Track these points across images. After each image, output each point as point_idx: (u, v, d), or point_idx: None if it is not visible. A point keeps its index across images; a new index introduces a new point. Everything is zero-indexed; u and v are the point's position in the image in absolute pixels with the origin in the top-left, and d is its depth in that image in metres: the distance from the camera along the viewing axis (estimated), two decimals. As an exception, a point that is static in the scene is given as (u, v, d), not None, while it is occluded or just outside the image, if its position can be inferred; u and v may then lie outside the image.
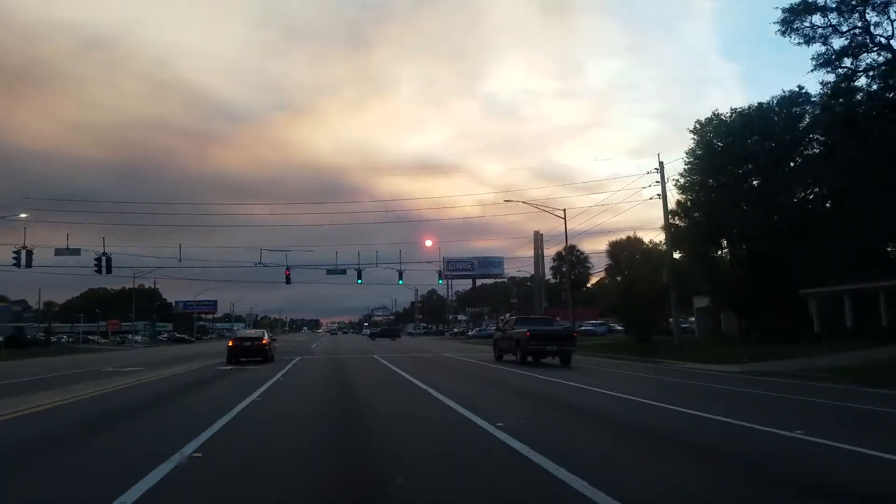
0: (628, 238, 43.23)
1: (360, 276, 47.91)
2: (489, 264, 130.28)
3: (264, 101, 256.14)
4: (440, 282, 56.43)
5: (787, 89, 40.15)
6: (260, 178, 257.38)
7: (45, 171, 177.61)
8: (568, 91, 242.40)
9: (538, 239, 61.34)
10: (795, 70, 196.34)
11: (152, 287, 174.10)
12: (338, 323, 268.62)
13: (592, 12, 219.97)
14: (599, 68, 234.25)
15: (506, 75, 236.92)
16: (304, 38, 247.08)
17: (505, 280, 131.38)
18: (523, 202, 49.62)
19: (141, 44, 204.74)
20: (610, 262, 44.23)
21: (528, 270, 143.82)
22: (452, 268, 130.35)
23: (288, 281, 45.03)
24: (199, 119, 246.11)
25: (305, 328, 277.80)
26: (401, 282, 49.76)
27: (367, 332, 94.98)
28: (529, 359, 24.01)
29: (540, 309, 56.54)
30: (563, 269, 61.53)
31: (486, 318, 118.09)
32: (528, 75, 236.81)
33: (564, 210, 49.43)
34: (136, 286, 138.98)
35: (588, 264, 60.61)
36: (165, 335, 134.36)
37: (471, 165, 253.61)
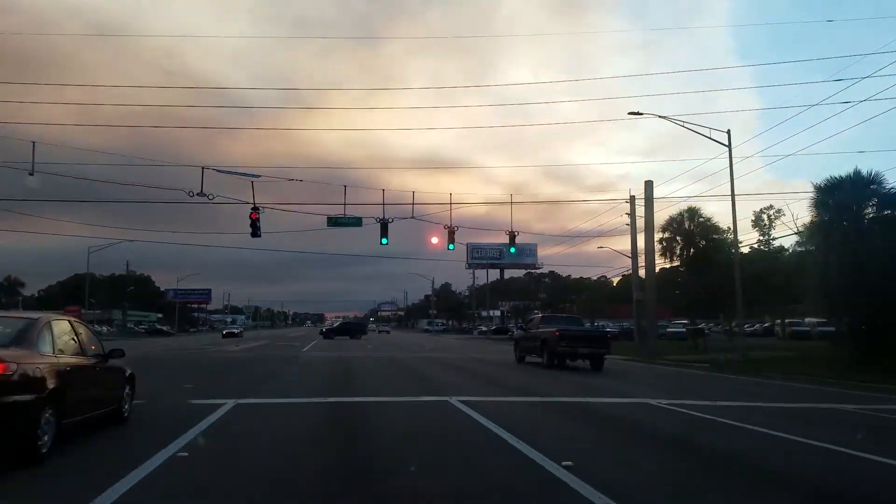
0: (855, 174, 22.31)
1: (384, 234, 27.22)
2: (520, 252, 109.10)
3: (272, 93, 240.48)
4: (512, 250, 34.27)
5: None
6: (268, 170, 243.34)
7: (52, 158, 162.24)
8: (578, 89, 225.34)
9: (649, 196, 40.62)
10: (811, 71, 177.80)
11: (140, 273, 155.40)
12: (342, 318, 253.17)
13: (605, 10, 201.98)
14: (611, 66, 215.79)
15: (516, 72, 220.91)
16: (313, 30, 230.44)
17: (539, 270, 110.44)
18: (663, 117, 28.52)
19: (149, 32, 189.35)
20: (817, 214, 23.43)
21: (551, 266, 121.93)
22: (477, 255, 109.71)
23: (255, 231, 24.46)
24: (206, 109, 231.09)
25: (309, 322, 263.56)
26: (451, 246, 29.15)
27: (323, 328, 67.91)
28: (555, 361, 20.90)
29: (650, 302, 35.91)
30: (676, 244, 40.44)
31: (535, 312, 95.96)
32: (538, 72, 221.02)
33: (728, 131, 28.55)
34: (124, 271, 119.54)
35: (716, 236, 39.52)
36: (144, 327, 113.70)
37: (479, 162, 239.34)
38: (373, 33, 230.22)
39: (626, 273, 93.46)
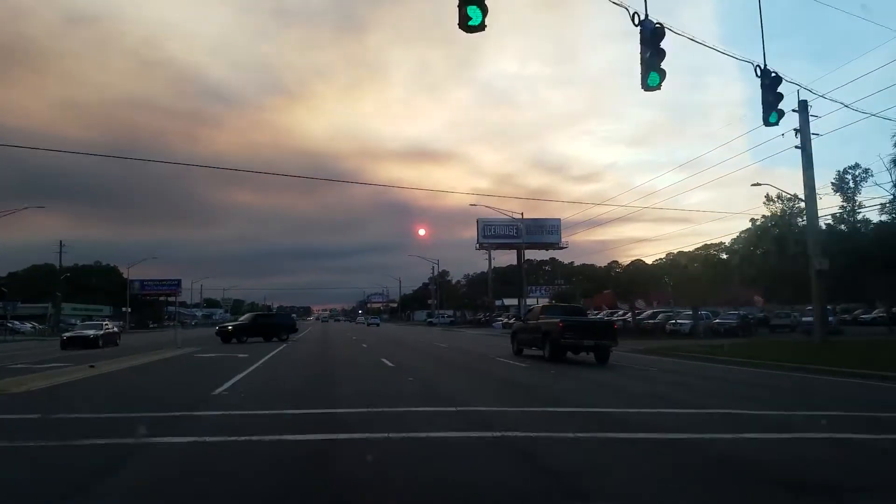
0: None
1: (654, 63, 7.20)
2: (541, 229, 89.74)
3: (255, 83, 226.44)
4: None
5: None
6: (252, 162, 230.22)
7: (30, 151, 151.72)
8: (565, 78, 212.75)
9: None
10: (795, 57, 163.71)
11: (106, 264, 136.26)
12: (329, 310, 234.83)
13: None
14: (596, 54, 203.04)
15: (502, 61, 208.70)
16: (296, 18, 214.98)
17: (563, 249, 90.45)
18: None
19: (128, 21, 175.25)
20: None
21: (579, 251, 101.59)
22: (489, 233, 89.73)
23: None
24: (187, 100, 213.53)
25: (293, 315, 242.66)
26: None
27: (228, 325, 35.46)
28: (558, 354, 18.99)
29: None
30: None
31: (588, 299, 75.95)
32: (524, 61, 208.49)
33: None
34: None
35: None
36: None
37: (465, 153, 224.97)
38: (357, 22, 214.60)
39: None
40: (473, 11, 7.64)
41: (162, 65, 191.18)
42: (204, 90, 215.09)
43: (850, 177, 47.83)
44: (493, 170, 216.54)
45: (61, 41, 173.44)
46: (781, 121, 14.53)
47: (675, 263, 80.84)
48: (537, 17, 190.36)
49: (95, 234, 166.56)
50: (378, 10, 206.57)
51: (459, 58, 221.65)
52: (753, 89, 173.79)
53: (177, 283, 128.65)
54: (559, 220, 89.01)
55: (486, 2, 7.72)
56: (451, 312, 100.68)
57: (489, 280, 79.19)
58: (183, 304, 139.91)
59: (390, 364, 16.89)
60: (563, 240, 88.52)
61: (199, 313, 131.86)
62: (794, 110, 27.70)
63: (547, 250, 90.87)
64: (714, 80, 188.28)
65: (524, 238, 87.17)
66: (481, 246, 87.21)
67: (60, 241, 74.70)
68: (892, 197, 36.70)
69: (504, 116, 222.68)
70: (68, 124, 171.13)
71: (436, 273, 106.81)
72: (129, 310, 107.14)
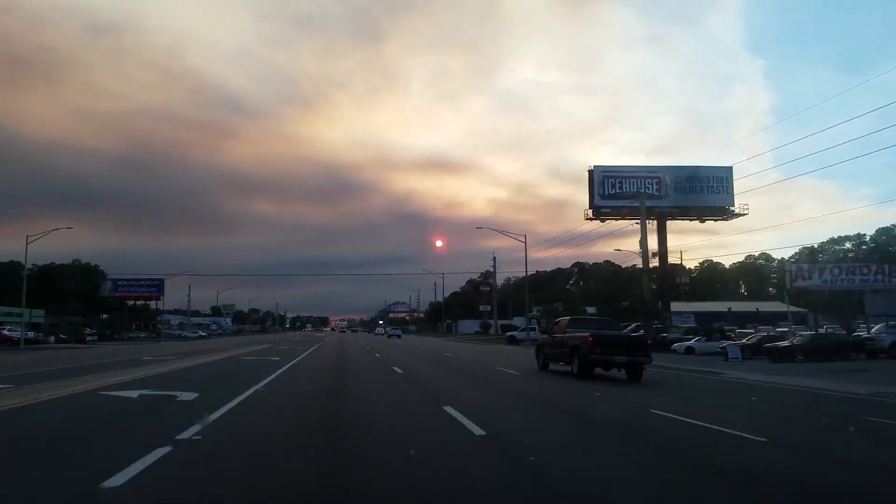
0: None
1: None
2: (698, 186, 52.82)
3: (273, 93, 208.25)
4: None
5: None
6: (269, 172, 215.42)
7: (50, 161, 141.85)
8: (585, 86, 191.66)
9: None
10: (823, 65, 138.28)
11: (87, 263, 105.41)
12: (347, 320, 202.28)
13: (612, 2, 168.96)
14: (618, 62, 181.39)
15: (520, 69, 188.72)
16: (314, 28, 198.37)
17: (741, 216, 52.72)
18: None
19: (148, 31, 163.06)
20: None
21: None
22: (612, 191, 52.81)
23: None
24: (206, 110, 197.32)
25: (309, 326, 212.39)
26: None
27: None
28: (587, 371, 17.06)
29: None
30: None
31: None
32: (543, 69, 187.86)
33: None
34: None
35: None
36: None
37: (483, 162, 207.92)
38: (374, 30, 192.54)
39: None
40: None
41: (181, 75, 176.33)
42: (222, 100, 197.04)
43: None
44: (510, 180, 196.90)
45: (82, 51, 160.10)
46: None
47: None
48: (558, 25, 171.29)
49: (106, 243, 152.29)
50: (396, 18, 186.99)
51: (478, 66, 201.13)
52: (780, 97, 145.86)
53: (158, 285, 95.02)
54: (730, 168, 51.78)
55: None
56: (533, 324, 61.77)
57: (646, 276, 41.57)
58: (196, 313, 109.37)
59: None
60: (734, 202, 51.22)
61: (174, 321, 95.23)
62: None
63: (702, 221, 52.80)
64: (738, 87, 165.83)
65: (671, 199, 50.43)
66: (598, 212, 50.38)
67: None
68: None
69: (522, 125, 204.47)
70: (89, 134, 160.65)
71: (493, 268, 69.73)
72: (123, 316, 72.68)
